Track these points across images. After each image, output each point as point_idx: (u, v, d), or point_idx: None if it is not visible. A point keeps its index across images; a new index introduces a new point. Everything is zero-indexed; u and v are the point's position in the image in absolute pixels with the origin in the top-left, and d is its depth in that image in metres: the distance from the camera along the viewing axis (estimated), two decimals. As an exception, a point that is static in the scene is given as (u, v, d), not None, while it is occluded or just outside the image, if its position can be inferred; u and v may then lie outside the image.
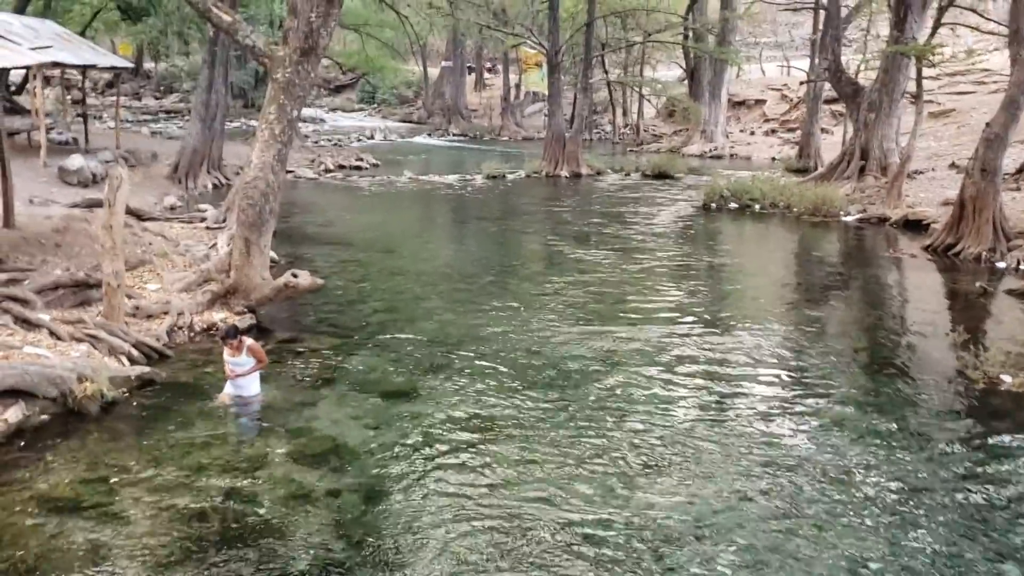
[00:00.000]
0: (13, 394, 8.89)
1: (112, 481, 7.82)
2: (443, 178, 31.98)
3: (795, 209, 24.51)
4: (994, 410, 10.10)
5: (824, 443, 9.06)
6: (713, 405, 10.09)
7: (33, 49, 16.98)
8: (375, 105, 66.50)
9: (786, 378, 11.11)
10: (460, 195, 28.88)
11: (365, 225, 22.30)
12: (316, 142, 41.93)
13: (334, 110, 63.52)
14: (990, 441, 9.15)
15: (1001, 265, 17.77)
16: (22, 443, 8.47)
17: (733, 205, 25.67)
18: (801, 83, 40.23)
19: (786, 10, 47.97)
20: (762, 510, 7.61)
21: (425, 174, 32.75)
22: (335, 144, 42.71)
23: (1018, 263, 17.69)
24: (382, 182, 30.65)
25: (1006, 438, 9.22)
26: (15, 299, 11.08)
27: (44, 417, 8.97)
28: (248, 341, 9.94)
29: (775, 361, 11.76)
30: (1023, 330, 13.62)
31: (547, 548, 6.92)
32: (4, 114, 26.56)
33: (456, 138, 53.86)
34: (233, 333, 9.92)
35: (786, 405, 10.14)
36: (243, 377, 9.78)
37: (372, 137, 49.69)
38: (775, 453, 8.78)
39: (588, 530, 7.21)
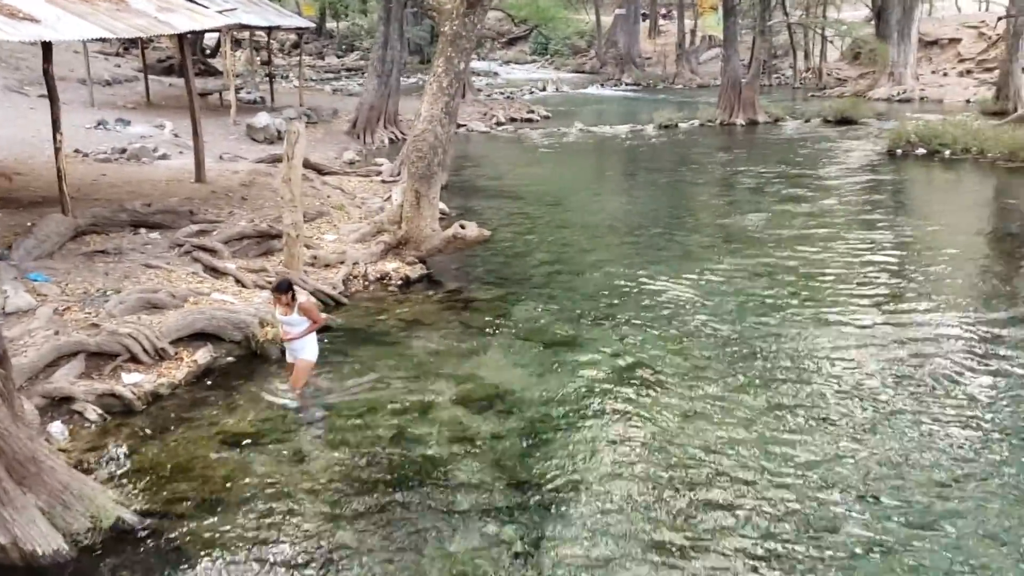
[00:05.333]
0: (202, 337, 9.57)
1: (290, 420, 8.30)
2: (614, 129, 31.61)
3: (989, 154, 22.75)
4: None
5: None
6: (901, 365, 9.60)
7: (220, 12, 17.93)
8: (548, 56, 66.27)
9: (981, 333, 10.43)
10: (631, 146, 28.50)
11: (534, 177, 22.38)
12: (489, 95, 42.25)
13: (507, 63, 63.73)
14: None
15: None
16: (209, 382, 9.09)
17: (921, 151, 24.11)
18: (999, 19, 37.06)
19: (987, -61, 44.27)
20: (926, 462, 7.25)
21: (596, 125, 32.44)
22: (507, 97, 42.91)
23: None
24: (552, 134, 30.62)
25: None
26: (205, 249, 11.88)
27: (230, 359, 9.60)
28: (301, 298, 8.71)
29: (966, 313, 11.08)
30: None
31: (705, 500, 6.85)
32: (198, 76, 28.26)
33: (629, 87, 52.97)
34: (284, 286, 8.49)
35: (980, 365, 9.56)
36: (296, 340, 8.57)
37: (544, 89, 49.56)
38: (955, 413, 8.33)
39: (747, 486, 7.07)
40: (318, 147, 22.65)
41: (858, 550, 6.23)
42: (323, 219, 14.70)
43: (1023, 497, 6.86)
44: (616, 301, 11.80)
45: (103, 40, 15.37)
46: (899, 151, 24.44)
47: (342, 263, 12.47)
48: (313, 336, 8.69)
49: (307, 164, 16.17)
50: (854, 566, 6.09)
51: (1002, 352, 9.82)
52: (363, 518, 6.64)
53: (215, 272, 11.38)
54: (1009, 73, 33.86)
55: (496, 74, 55.88)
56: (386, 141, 26.93)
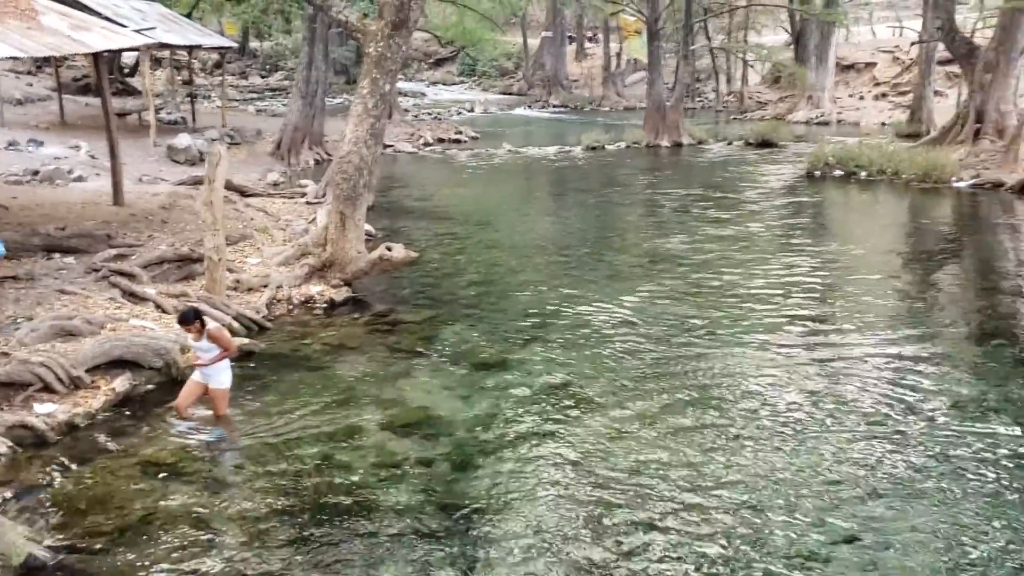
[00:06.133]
0: (121, 364, 9.29)
1: (211, 448, 8.10)
2: (542, 150, 31.85)
3: (903, 175, 23.53)
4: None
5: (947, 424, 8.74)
6: (821, 381, 9.81)
7: (138, 31, 17.56)
8: (475, 78, 66.59)
9: (897, 351, 10.70)
10: (558, 167, 28.73)
11: (462, 198, 22.40)
12: (416, 116, 42.20)
13: (434, 83, 63.87)
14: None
15: None
16: (128, 411, 8.82)
17: (838, 172, 24.81)
18: (912, 44, 38.37)
19: (898, -33, 45.84)
20: (846, 477, 7.39)
21: (524, 146, 32.65)
22: (435, 118, 42.90)
23: None
24: (480, 155, 30.71)
25: None
26: (123, 274, 11.56)
27: (149, 386, 9.35)
28: (210, 326, 8.45)
29: (882, 332, 11.37)
30: None
31: (634, 522, 6.85)
32: (116, 96, 27.65)
33: (556, 109, 53.49)
34: (190, 316, 8.31)
35: (898, 383, 9.79)
36: (209, 366, 8.46)
37: (472, 110, 49.73)
38: (875, 425, 8.52)
39: (675, 504, 7.10)
40: (241, 168, 22.30)
41: (782, 566, 6.30)
42: (246, 242, 14.44)
43: (941, 510, 7.02)
44: (545, 322, 11.82)
45: (14, 58, 14.91)
46: (817, 172, 25.13)
47: (266, 287, 12.26)
48: (226, 362, 8.54)
49: (229, 186, 15.90)
50: (780, 583, 6.16)
51: (918, 369, 10.07)
52: (288, 547, 6.48)
53: (134, 298, 11.08)
54: (922, 97, 35.10)
55: (423, 95, 55.94)
56: (311, 162, 26.69)
